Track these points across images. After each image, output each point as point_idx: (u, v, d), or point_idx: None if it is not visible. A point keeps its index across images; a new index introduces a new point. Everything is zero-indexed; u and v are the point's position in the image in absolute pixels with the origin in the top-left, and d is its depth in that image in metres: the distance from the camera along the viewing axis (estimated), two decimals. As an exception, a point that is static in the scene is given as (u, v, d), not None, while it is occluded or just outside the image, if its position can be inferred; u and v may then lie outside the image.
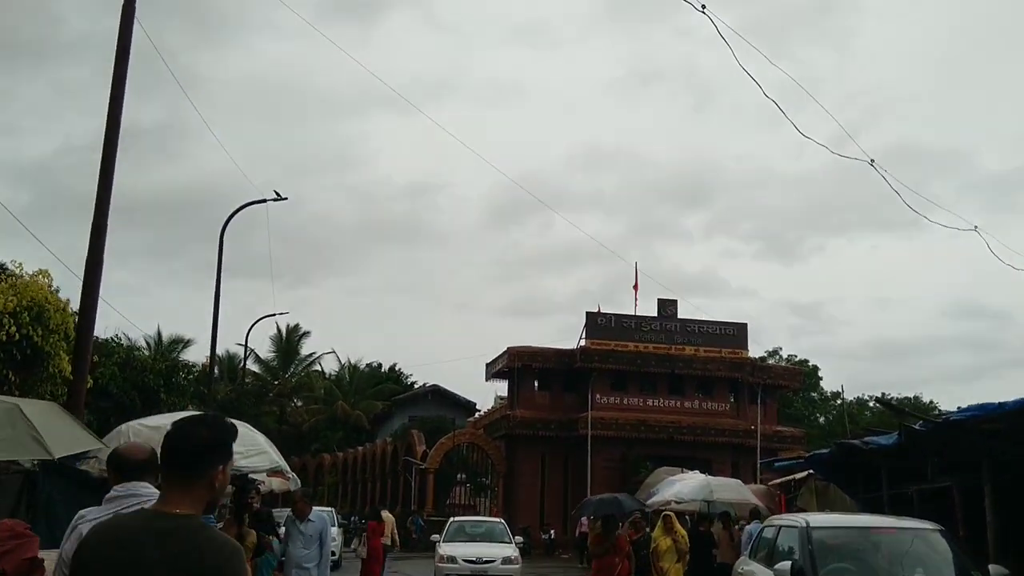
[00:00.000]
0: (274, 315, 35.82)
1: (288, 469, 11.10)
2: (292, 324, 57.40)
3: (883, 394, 61.37)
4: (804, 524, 7.57)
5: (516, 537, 20.96)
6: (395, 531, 19.95)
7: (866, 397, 60.64)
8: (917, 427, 9.50)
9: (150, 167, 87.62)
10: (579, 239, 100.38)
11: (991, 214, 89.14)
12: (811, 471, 14.44)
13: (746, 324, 42.29)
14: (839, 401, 58.15)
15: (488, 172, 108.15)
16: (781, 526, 8.40)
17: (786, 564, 7.18)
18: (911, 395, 59.15)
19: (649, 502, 16.87)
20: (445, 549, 19.29)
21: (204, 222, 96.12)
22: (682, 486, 15.86)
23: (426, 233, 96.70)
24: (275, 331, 56.63)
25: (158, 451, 2.79)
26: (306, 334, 57.76)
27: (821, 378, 60.10)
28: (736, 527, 14.80)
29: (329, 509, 27.28)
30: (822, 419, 57.39)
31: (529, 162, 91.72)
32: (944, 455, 9.90)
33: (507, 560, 18.76)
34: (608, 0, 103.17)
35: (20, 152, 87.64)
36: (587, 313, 41.03)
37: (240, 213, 23.21)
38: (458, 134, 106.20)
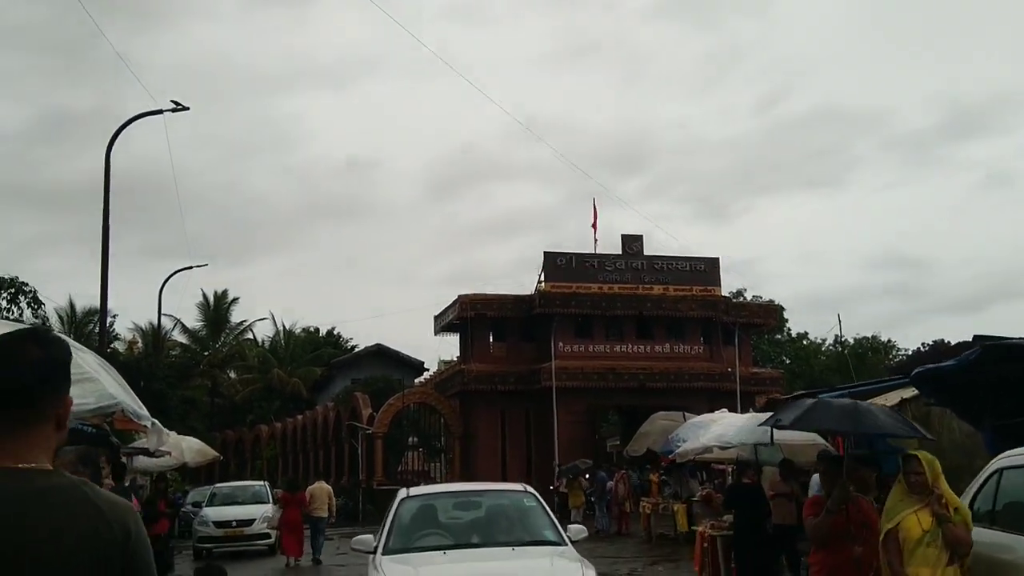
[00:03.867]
0: (191, 267, 31.21)
1: (143, 411, 6.22)
2: (220, 290, 53.13)
3: (837, 336, 58.87)
4: None
5: (573, 524, 9.10)
6: (332, 500, 19.32)
7: (818, 341, 58.13)
8: None
9: (97, 153, 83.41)
10: (518, 208, 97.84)
11: (912, 168, 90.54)
12: (905, 396, 10.64)
13: (718, 259, 38.92)
14: (805, 342, 55.57)
15: (425, 146, 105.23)
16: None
17: None
18: (868, 335, 56.95)
19: (679, 451, 13.10)
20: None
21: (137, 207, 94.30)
22: (723, 427, 11.96)
23: (364, 209, 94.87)
24: (201, 299, 52.16)
25: None
26: (235, 300, 53.89)
27: (787, 320, 57.30)
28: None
29: (263, 483, 23.75)
30: (788, 361, 54.65)
31: (466, 135, 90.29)
32: None
33: None
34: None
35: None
36: (545, 253, 37.16)
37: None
38: (393, 109, 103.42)
